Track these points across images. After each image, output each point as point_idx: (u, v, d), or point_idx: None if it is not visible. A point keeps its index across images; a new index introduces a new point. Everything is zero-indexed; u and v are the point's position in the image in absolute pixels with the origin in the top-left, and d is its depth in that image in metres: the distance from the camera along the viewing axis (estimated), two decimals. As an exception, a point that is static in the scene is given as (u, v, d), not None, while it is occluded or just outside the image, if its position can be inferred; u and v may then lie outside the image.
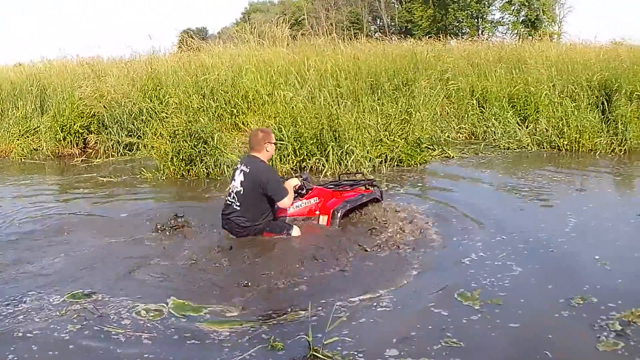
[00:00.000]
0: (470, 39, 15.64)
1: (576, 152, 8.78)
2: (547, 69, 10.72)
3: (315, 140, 7.30)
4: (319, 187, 5.25)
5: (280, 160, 7.27)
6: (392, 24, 48.73)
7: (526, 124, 9.78)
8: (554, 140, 9.02)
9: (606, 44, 13.52)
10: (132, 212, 5.94)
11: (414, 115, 8.45)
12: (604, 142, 8.79)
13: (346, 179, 5.71)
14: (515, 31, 37.29)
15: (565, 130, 8.97)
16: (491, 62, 12.00)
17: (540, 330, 3.12)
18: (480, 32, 38.03)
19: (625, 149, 8.66)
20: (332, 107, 7.73)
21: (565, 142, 8.91)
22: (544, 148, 9.07)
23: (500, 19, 44.27)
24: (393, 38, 14.85)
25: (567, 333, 3.09)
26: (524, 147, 9.17)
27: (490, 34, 38.09)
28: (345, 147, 7.32)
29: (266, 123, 7.79)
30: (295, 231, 4.77)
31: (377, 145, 7.67)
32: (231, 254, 4.45)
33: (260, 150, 4.80)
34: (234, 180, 4.77)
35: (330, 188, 5.28)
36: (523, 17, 41.51)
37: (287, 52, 10.70)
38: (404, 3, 47.21)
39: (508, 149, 9.17)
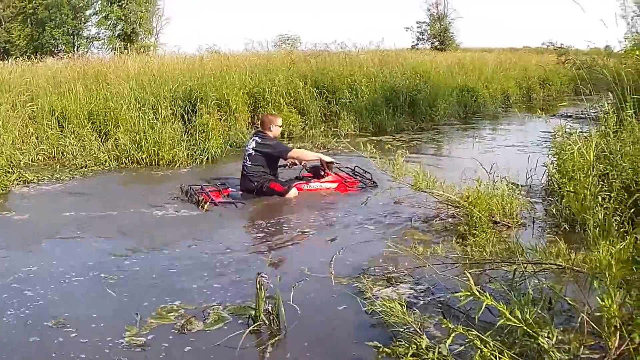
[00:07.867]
0: (66, 56, 14.43)
1: (156, 165, 8.80)
2: (127, 83, 10.42)
3: None
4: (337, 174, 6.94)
5: None
6: (-7, 45, 42.95)
7: (107, 140, 9.40)
8: (133, 154, 8.81)
9: (193, 54, 14.15)
10: None
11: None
12: (184, 153, 8.94)
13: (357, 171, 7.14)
14: (112, 46, 36.63)
15: (143, 143, 8.83)
16: (73, 79, 11.26)
17: None
18: (76, 49, 36.13)
19: (206, 158, 9.00)
20: None
21: (145, 156, 8.88)
22: (123, 163, 8.89)
23: (97, 35, 42.73)
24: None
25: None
26: (102, 163, 8.80)
27: (85, 50, 36.31)
28: None
29: None
30: (293, 192, 6.41)
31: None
32: None
33: (266, 129, 6.59)
34: (247, 147, 6.58)
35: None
36: (119, 31, 40.71)
37: None
38: (3, 23, 42.13)
39: (85, 167, 8.66)
